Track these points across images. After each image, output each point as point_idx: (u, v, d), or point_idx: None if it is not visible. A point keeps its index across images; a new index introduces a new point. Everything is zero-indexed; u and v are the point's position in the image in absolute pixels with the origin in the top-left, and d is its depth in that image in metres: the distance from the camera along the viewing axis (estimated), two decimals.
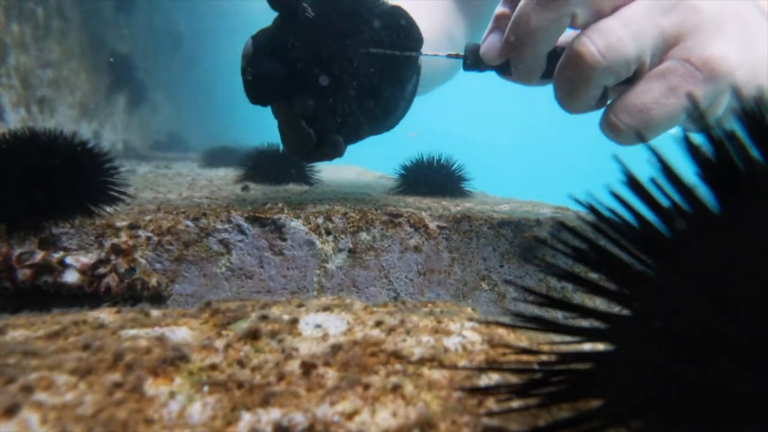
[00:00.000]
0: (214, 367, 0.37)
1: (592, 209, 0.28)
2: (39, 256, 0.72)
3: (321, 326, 0.44)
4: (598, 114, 0.76)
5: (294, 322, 0.45)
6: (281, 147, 1.51)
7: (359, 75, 0.90)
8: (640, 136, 0.69)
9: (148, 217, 0.84)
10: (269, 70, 0.84)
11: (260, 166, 1.46)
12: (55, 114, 2.37)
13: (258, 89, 0.85)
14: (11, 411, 0.30)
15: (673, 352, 0.24)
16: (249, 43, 0.84)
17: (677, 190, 0.27)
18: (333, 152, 0.94)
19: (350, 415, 0.32)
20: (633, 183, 0.27)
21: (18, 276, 0.71)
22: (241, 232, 0.86)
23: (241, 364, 0.38)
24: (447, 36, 1.65)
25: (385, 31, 0.88)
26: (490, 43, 0.78)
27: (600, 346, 0.30)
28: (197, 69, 6.77)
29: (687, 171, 0.27)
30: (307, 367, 0.37)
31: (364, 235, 0.89)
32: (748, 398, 0.21)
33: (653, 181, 0.27)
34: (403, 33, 0.89)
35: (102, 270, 0.74)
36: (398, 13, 0.89)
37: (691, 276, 0.25)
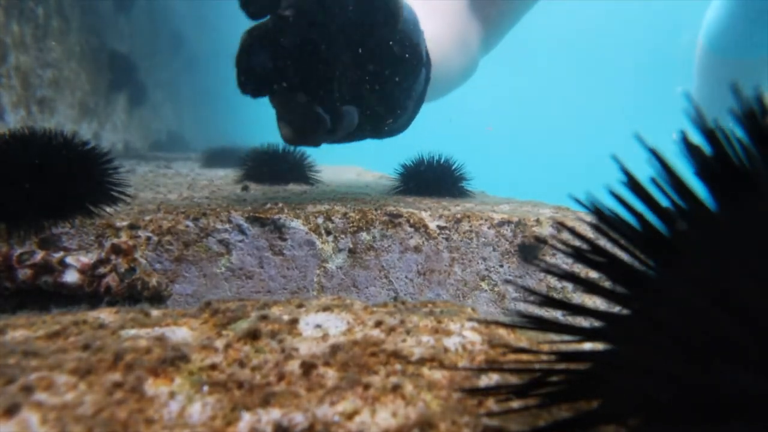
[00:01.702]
0: (214, 367, 0.37)
1: (593, 209, 0.28)
2: (39, 256, 0.72)
3: (321, 326, 0.44)
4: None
5: (294, 322, 0.45)
6: (281, 147, 1.52)
7: (356, 64, 0.89)
8: None
9: (148, 217, 0.84)
10: (261, 63, 0.85)
11: (260, 166, 1.46)
12: (55, 114, 2.37)
13: (251, 81, 0.86)
14: (11, 411, 0.30)
15: (673, 353, 0.24)
16: (244, 36, 0.85)
17: (677, 191, 0.27)
18: (346, 127, 0.92)
19: (350, 415, 0.32)
20: (633, 183, 0.27)
21: (18, 276, 0.71)
22: (241, 232, 0.86)
23: (241, 364, 0.38)
24: (460, 39, 1.65)
25: (358, 10, 0.87)
26: None
27: (600, 346, 0.30)
28: (197, 69, 6.77)
29: (686, 171, 0.27)
30: (307, 367, 0.37)
31: (364, 235, 0.89)
32: (746, 398, 0.21)
33: (653, 181, 0.27)
34: (378, 7, 0.88)
35: (102, 270, 0.74)
36: None
37: (690, 276, 0.25)
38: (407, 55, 0.95)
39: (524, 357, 0.38)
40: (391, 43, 0.92)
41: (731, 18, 2.48)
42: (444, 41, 1.55)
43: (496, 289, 0.90)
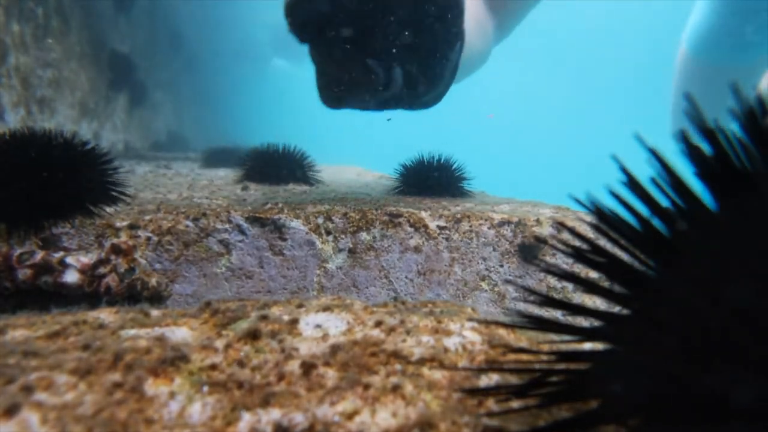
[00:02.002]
0: (214, 367, 0.37)
1: (593, 209, 0.28)
2: (39, 256, 0.72)
3: (321, 326, 0.44)
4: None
5: (294, 322, 0.45)
6: (281, 147, 1.52)
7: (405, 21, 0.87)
8: None
9: (148, 217, 0.84)
10: (318, 6, 0.82)
11: (260, 166, 1.46)
12: (55, 114, 2.37)
13: (304, 24, 0.84)
14: (11, 411, 0.30)
15: (672, 353, 0.24)
16: None
17: (677, 191, 0.27)
18: (394, 87, 0.89)
19: (350, 415, 0.32)
20: (633, 184, 0.27)
21: (18, 276, 0.71)
22: (241, 232, 0.86)
23: (241, 364, 0.38)
24: (478, 23, 1.66)
25: None
26: None
27: (600, 346, 0.30)
28: (197, 69, 6.78)
29: (686, 171, 0.27)
30: (307, 367, 0.37)
31: (364, 235, 0.89)
32: (746, 398, 0.21)
33: (653, 181, 0.27)
34: None
35: (102, 270, 0.74)
36: None
37: (690, 276, 0.25)
38: (452, 22, 0.93)
39: (524, 357, 0.38)
40: (441, 5, 0.90)
41: (716, 21, 2.48)
42: (466, 22, 1.55)
43: (496, 289, 0.90)
